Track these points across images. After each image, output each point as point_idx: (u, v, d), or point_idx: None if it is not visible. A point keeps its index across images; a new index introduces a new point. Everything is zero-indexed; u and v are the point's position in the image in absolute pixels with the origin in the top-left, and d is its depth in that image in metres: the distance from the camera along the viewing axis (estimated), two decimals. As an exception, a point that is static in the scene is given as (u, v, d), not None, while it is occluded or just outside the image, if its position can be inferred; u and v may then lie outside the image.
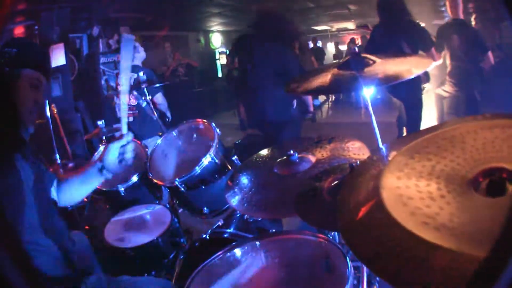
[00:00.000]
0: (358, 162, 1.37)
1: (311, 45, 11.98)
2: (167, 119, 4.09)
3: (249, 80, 3.76)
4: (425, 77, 4.63)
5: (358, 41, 12.09)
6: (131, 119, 4.13)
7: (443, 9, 4.63)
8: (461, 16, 4.40)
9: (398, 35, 3.91)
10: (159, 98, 4.12)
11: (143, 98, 3.49)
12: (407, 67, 1.56)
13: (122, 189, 2.55)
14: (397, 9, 3.99)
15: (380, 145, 1.69)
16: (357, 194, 0.97)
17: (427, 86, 4.66)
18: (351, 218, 0.91)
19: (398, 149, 1.02)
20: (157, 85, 3.90)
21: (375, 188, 0.92)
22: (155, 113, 3.77)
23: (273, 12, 3.71)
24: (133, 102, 4.07)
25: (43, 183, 1.49)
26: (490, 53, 4.35)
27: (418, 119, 4.31)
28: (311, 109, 3.85)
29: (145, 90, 3.64)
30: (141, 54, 4.30)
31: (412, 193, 0.85)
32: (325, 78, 1.65)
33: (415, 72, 1.51)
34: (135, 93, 3.94)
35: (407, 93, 4.20)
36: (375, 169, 1.02)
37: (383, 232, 0.80)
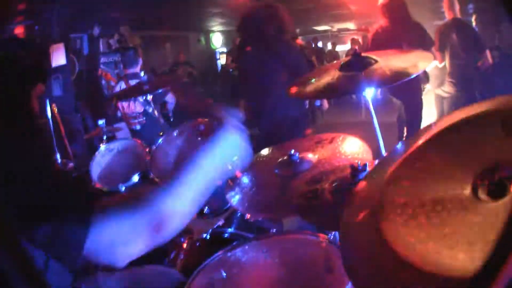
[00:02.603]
0: (359, 163, 1.37)
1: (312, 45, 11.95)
2: (171, 118, 4.09)
3: (255, 80, 3.74)
4: (425, 77, 4.64)
5: (360, 41, 12.11)
6: (138, 127, 4.11)
7: (443, 10, 4.63)
8: (459, 15, 4.42)
9: (398, 35, 3.94)
10: (170, 98, 4.11)
11: (148, 101, 3.46)
12: (411, 63, 1.56)
13: (123, 188, 2.56)
14: (399, 10, 4.03)
15: (382, 146, 1.70)
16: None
17: (427, 87, 4.67)
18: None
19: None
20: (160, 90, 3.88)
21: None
22: (161, 117, 3.76)
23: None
24: (139, 109, 4.05)
25: None
26: (488, 52, 4.36)
27: (418, 119, 4.33)
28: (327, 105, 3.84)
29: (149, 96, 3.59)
30: (139, 63, 4.32)
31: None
32: (327, 81, 1.66)
33: (421, 67, 1.51)
34: (141, 99, 3.92)
35: (407, 93, 4.22)
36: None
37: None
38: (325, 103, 3.85)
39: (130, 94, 3.60)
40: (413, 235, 0.74)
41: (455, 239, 0.70)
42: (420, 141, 0.93)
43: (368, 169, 1.33)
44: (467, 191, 0.77)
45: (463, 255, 0.65)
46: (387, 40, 4.00)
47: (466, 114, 0.89)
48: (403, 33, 3.95)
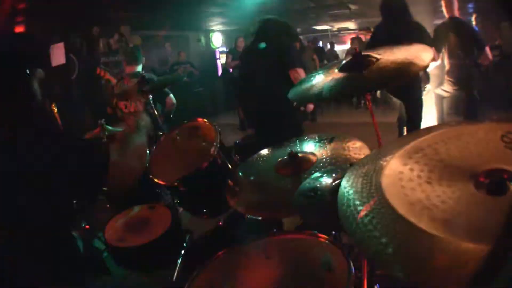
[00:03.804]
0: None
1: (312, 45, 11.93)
2: (171, 118, 4.08)
3: (250, 79, 3.75)
4: (426, 77, 4.64)
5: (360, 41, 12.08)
6: (139, 127, 4.10)
7: (442, 9, 4.63)
8: (457, 14, 4.41)
9: (398, 34, 3.93)
10: (171, 99, 4.09)
11: (149, 101, 3.44)
12: (412, 56, 1.53)
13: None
14: (399, 10, 4.02)
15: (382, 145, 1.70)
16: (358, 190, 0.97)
17: (427, 87, 4.66)
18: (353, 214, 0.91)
19: (395, 150, 1.03)
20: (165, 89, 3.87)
21: (378, 183, 0.93)
22: (162, 116, 3.76)
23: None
24: (140, 107, 4.04)
25: None
26: (487, 49, 4.35)
27: (418, 119, 4.32)
28: (312, 107, 3.85)
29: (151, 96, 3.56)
30: (142, 61, 4.31)
31: (414, 185, 0.87)
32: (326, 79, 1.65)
33: (425, 59, 1.49)
34: (142, 99, 3.91)
35: (408, 93, 4.21)
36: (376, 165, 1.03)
37: (386, 226, 0.81)
38: (310, 104, 3.84)
39: (130, 94, 3.60)
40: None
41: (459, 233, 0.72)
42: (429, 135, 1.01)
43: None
44: (470, 184, 0.81)
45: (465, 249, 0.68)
46: (387, 39, 4.00)
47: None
48: (403, 32, 3.94)
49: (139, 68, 4.24)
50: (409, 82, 3.98)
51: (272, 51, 3.55)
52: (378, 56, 1.59)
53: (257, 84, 3.64)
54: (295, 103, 3.74)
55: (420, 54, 1.52)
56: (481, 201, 0.77)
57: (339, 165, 1.68)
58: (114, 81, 5.03)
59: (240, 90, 4.21)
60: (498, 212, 0.73)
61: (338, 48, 13.96)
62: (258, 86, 3.64)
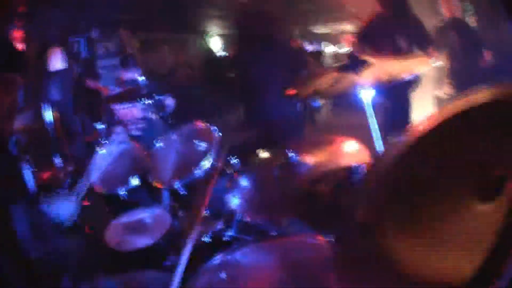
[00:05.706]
0: (356, 165, 1.37)
1: (310, 47, 11.94)
2: (169, 121, 4.09)
3: (251, 81, 3.75)
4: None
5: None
6: (137, 132, 4.10)
7: (442, 9, 4.60)
8: (457, 14, 4.38)
9: (396, 29, 3.74)
10: (170, 100, 4.09)
11: (147, 106, 3.44)
12: (406, 66, 1.57)
13: (122, 192, 2.56)
14: (399, 2, 3.77)
15: (379, 148, 1.70)
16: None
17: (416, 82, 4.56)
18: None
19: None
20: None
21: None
22: (160, 120, 3.76)
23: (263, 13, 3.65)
24: (139, 114, 4.04)
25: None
26: (486, 52, 4.33)
27: (407, 119, 4.15)
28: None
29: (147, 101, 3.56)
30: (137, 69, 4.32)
31: None
32: (325, 81, 1.66)
33: (416, 70, 1.51)
34: (140, 105, 3.92)
35: (396, 94, 4.09)
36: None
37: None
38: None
39: (125, 97, 3.60)
40: (408, 246, 0.75)
41: (449, 246, 0.70)
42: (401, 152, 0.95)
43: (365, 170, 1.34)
44: (461, 197, 0.76)
45: (456, 262, 0.65)
46: (383, 33, 3.76)
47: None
48: (401, 26, 3.75)
49: (135, 73, 4.24)
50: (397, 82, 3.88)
51: (277, 63, 3.51)
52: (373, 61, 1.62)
53: (260, 88, 3.62)
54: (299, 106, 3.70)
55: (413, 68, 1.55)
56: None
57: (337, 168, 1.68)
58: (104, 90, 5.05)
59: (242, 91, 4.20)
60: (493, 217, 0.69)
61: (336, 50, 13.96)
62: (258, 88, 3.63)
